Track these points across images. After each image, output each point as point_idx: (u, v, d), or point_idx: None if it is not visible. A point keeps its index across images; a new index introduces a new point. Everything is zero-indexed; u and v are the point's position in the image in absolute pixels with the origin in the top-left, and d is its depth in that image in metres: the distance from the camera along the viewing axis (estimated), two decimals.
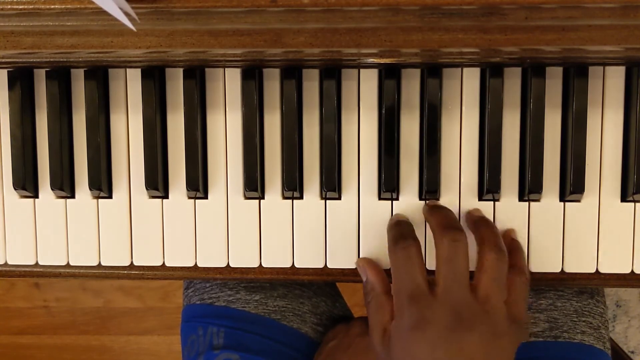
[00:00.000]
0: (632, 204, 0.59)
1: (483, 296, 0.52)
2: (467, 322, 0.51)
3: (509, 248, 0.56)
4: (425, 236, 0.60)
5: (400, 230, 0.57)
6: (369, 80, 0.59)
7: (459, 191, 0.59)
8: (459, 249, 0.53)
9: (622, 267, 0.59)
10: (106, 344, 1.58)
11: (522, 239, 0.59)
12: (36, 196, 0.62)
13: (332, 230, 0.60)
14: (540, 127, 0.57)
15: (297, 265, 0.61)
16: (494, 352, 0.52)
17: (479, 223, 0.57)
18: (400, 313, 0.53)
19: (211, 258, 0.61)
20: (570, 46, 0.51)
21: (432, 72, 0.57)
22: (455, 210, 0.59)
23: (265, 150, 0.60)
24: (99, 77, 0.59)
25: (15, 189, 0.61)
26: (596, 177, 0.59)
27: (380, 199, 0.60)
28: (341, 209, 0.60)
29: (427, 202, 0.59)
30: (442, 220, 0.55)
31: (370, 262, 0.59)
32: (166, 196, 0.61)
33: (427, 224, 0.59)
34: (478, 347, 0.51)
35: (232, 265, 0.61)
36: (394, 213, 0.60)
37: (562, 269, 0.60)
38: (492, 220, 0.59)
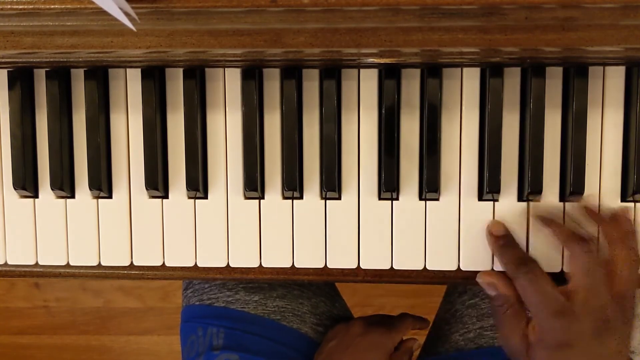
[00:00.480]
0: (632, 204, 0.59)
1: (619, 295, 0.54)
2: (611, 324, 0.53)
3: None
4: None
5: (513, 254, 0.57)
6: (369, 80, 0.59)
7: (459, 191, 0.59)
8: (595, 259, 0.54)
9: None
10: (106, 344, 1.58)
11: (521, 239, 0.59)
12: (36, 196, 0.62)
13: (332, 230, 0.60)
14: (540, 127, 0.57)
15: (297, 265, 0.61)
16: (627, 339, 0.54)
17: (613, 222, 0.57)
18: (544, 329, 0.53)
19: (211, 258, 0.61)
20: (570, 46, 0.51)
21: (432, 72, 0.57)
22: (455, 210, 0.59)
23: (265, 150, 0.60)
24: (99, 77, 0.59)
25: (15, 189, 0.61)
26: (596, 177, 0.59)
27: (380, 199, 0.60)
28: (341, 209, 0.60)
29: (531, 206, 0.59)
30: (571, 233, 0.56)
31: (498, 276, 0.58)
32: (166, 196, 0.61)
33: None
34: (618, 342, 0.53)
35: (232, 265, 0.61)
36: (396, 211, 0.60)
37: (562, 268, 0.59)
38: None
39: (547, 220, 0.58)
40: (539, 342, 0.54)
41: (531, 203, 0.59)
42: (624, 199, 0.59)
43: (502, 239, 0.58)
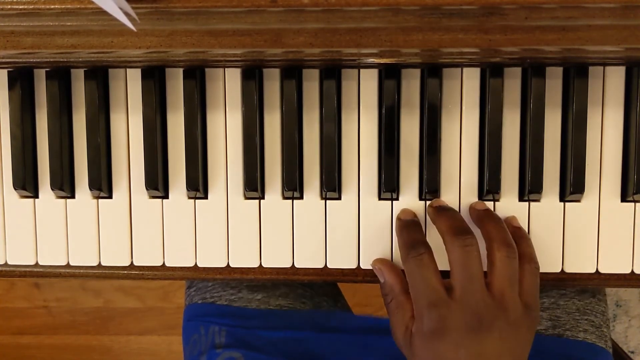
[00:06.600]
0: (632, 204, 0.59)
1: (498, 294, 0.53)
2: (486, 322, 0.52)
3: (514, 237, 0.56)
4: (426, 227, 0.60)
5: (410, 236, 0.56)
6: (369, 80, 0.59)
7: (459, 191, 0.59)
8: (472, 253, 0.53)
9: (622, 267, 0.59)
10: (106, 344, 1.58)
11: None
12: (36, 196, 0.62)
13: (332, 231, 0.60)
14: (540, 127, 0.57)
15: (297, 265, 0.61)
16: (514, 345, 0.53)
17: (484, 218, 0.57)
18: (421, 318, 0.53)
19: (211, 258, 0.61)
20: (570, 46, 0.51)
21: (432, 72, 0.57)
22: (455, 209, 0.59)
23: (265, 150, 0.60)
24: (99, 77, 0.59)
25: (15, 189, 0.61)
26: (596, 177, 0.59)
27: (380, 199, 0.60)
28: (341, 209, 0.60)
29: (431, 202, 0.59)
30: (452, 224, 0.55)
31: (386, 263, 0.59)
32: (166, 196, 0.61)
33: (427, 220, 0.59)
34: (499, 344, 0.52)
35: (232, 265, 0.61)
36: (395, 211, 0.60)
37: (562, 269, 0.60)
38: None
39: (439, 210, 0.58)
40: (416, 332, 0.53)
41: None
42: (624, 199, 0.59)
43: (405, 222, 0.58)
